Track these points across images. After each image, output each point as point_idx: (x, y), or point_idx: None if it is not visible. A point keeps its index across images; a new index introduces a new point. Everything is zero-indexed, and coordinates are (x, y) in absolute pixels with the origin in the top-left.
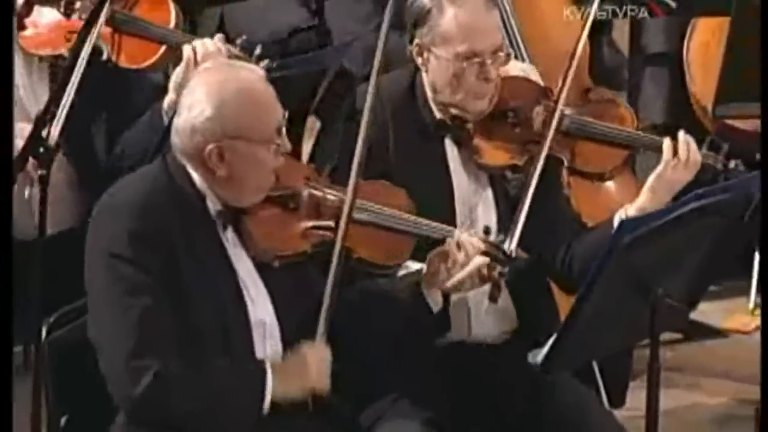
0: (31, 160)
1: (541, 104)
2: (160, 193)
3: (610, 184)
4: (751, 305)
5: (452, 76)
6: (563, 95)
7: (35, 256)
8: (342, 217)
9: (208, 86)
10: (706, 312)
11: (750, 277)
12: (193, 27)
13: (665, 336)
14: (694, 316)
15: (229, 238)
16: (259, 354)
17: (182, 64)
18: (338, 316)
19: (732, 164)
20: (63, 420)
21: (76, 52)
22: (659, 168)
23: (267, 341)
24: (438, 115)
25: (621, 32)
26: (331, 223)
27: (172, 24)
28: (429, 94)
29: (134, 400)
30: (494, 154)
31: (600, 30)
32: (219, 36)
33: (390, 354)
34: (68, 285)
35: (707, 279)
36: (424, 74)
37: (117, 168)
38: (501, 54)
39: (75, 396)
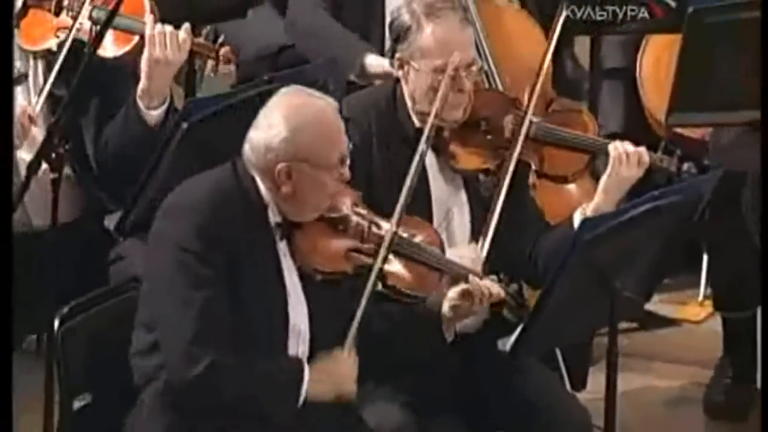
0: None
1: (510, 114)
2: (227, 195)
3: (571, 186)
4: (701, 297)
5: (429, 88)
6: (531, 105)
7: (47, 248)
8: (383, 246)
9: (287, 110)
10: (659, 303)
11: (700, 270)
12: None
13: (622, 325)
14: (648, 306)
15: (282, 248)
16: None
17: (146, 51)
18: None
19: (685, 167)
20: (75, 404)
21: (62, 47)
22: (608, 170)
23: (299, 346)
24: (417, 123)
25: (583, 47)
26: (372, 248)
27: (147, 12)
28: (409, 104)
29: (189, 382)
30: (468, 159)
31: (563, 46)
32: (186, 26)
33: (380, 351)
34: (71, 274)
35: (660, 273)
36: (404, 86)
37: (104, 159)
38: (474, 68)
39: (87, 379)
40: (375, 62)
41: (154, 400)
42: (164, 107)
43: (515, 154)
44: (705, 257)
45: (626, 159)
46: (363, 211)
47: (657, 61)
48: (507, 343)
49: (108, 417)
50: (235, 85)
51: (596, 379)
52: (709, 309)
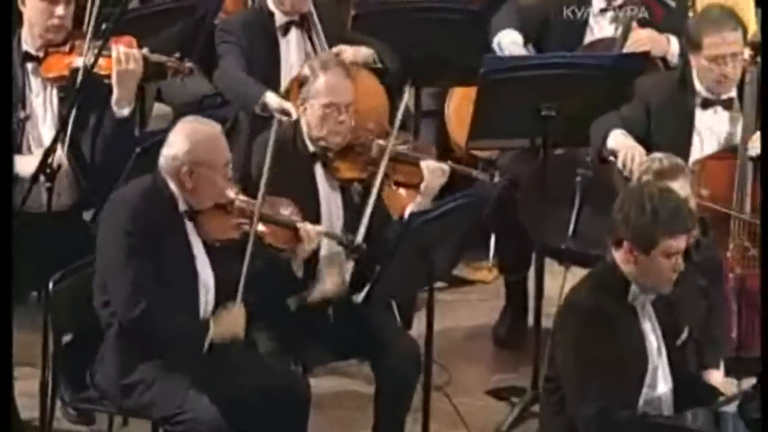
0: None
1: (376, 140)
2: (150, 193)
3: (403, 191)
4: (490, 264)
5: (320, 119)
6: (393, 137)
7: (47, 230)
8: (254, 218)
9: (187, 131)
10: (462, 269)
11: (489, 246)
12: (141, 90)
13: (437, 285)
14: (455, 272)
15: (189, 226)
16: (201, 303)
17: (113, 67)
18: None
19: (497, 178)
20: (63, 339)
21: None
22: (425, 179)
23: (207, 295)
24: (311, 147)
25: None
26: (249, 221)
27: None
28: (305, 132)
29: (131, 320)
30: (346, 172)
31: (398, 95)
32: (139, 51)
33: (270, 306)
34: (65, 248)
35: (463, 249)
36: (302, 119)
37: (98, 162)
38: (352, 107)
39: (72, 324)
40: (273, 100)
41: (112, 338)
42: (131, 108)
43: (381, 170)
44: (492, 237)
45: (439, 172)
46: (243, 197)
47: (458, 104)
48: (360, 297)
49: (85, 349)
50: (172, 121)
51: (419, 321)
52: (496, 272)
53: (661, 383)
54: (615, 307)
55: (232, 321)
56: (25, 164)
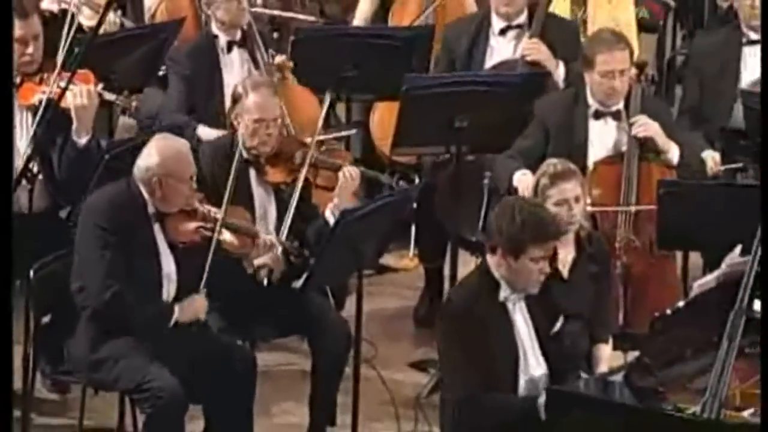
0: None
1: (299, 149)
2: (123, 196)
3: (327, 192)
4: (411, 254)
5: (251, 132)
6: (313, 145)
7: (28, 225)
8: (217, 224)
9: (159, 146)
10: (387, 257)
11: (410, 238)
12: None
13: (366, 272)
14: (381, 261)
15: (156, 228)
16: (164, 291)
17: (71, 102)
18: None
19: (400, 183)
20: (43, 320)
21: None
22: (340, 183)
23: (170, 286)
24: (245, 154)
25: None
26: (212, 226)
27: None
28: (240, 143)
29: (103, 303)
30: (274, 176)
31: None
32: (94, 87)
33: (222, 292)
34: (45, 241)
35: (388, 240)
36: (238, 132)
37: (63, 177)
38: (279, 121)
39: (50, 306)
40: (204, 132)
41: (85, 320)
42: (89, 137)
43: (302, 174)
44: (413, 231)
45: (349, 176)
46: (206, 205)
47: (382, 117)
48: (299, 283)
49: (61, 329)
50: (138, 132)
51: (350, 303)
52: (416, 261)
53: (535, 368)
54: (487, 305)
55: (196, 307)
56: None
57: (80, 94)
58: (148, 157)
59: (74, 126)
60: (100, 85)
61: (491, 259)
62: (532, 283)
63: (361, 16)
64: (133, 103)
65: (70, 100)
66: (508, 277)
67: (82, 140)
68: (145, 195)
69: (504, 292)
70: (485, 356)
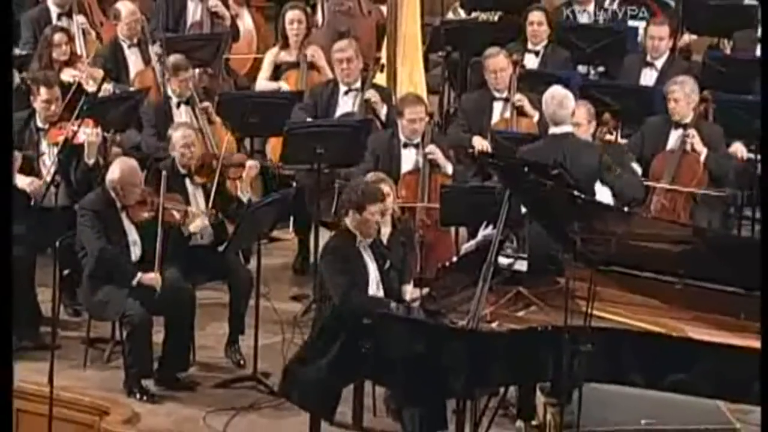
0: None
1: (215, 160)
2: (102, 197)
3: (237, 183)
4: (291, 230)
5: (180, 155)
6: (221, 156)
7: (56, 215)
8: (160, 209)
9: (119, 165)
10: (276, 233)
11: (290, 220)
12: (104, 140)
13: (263, 241)
14: (272, 234)
15: (123, 214)
16: (132, 252)
17: (86, 140)
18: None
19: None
20: (65, 272)
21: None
22: (246, 170)
23: (136, 249)
24: (181, 169)
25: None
26: (155, 208)
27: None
28: (177, 161)
29: (96, 257)
30: (199, 179)
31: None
32: (96, 129)
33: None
34: (65, 224)
35: (277, 222)
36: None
37: (76, 186)
38: (197, 145)
39: (68, 264)
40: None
41: (87, 272)
42: (94, 160)
43: (216, 176)
44: (292, 216)
45: (253, 166)
46: (153, 196)
47: (274, 146)
48: (222, 248)
49: (75, 278)
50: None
51: (254, 260)
52: (293, 234)
53: (377, 289)
54: (348, 247)
55: (150, 277)
56: (25, 182)
57: (90, 133)
58: (112, 173)
59: (85, 152)
60: (99, 128)
61: (347, 220)
62: (371, 232)
63: (259, 85)
64: (118, 139)
65: (81, 138)
66: (357, 227)
67: (90, 161)
68: (113, 195)
69: (358, 240)
70: (348, 276)
